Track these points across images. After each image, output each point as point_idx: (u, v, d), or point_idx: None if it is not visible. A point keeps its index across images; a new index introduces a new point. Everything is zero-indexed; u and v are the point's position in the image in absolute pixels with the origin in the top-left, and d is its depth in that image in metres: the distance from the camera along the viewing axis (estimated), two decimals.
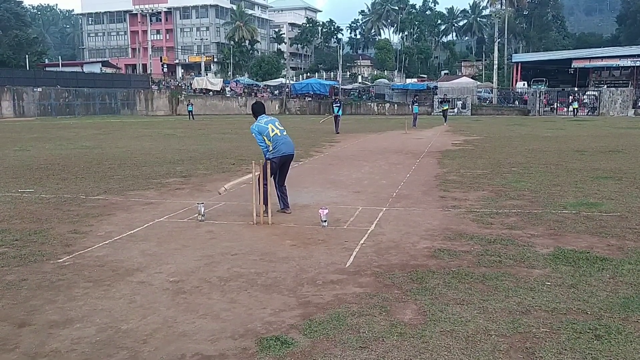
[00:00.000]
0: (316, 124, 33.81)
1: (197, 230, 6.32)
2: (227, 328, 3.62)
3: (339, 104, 25.25)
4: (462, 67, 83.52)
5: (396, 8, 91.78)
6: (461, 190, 8.90)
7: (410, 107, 40.48)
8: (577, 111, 45.11)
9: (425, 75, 75.32)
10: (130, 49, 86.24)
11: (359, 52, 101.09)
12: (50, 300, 4.15)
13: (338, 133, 23.09)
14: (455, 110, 49.51)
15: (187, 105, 43.72)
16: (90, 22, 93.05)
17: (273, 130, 7.12)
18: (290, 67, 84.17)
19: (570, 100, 48.00)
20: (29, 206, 7.74)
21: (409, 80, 66.66)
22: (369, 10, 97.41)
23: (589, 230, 6.06)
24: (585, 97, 48.77)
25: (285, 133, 7.28)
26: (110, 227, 6.49)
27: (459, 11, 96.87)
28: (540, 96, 49.21)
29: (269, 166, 6.85)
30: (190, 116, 40.89)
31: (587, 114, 46.23)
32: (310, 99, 57.24)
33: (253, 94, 59.77)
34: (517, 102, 52.53)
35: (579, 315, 3.72)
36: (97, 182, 9.89)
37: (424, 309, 3.87)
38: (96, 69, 62.45)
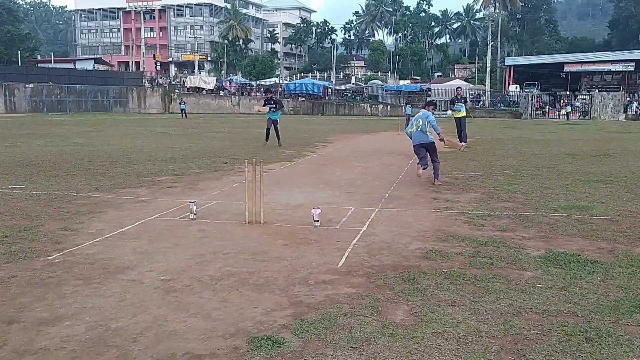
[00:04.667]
0: (311, 123, 33.82)
1: (188, 229, 6.30)
2: (218, 327, 3.60)
3: (274, 105, 17.13)
4: (455, 70, 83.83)
5: (390, 10, 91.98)
6: (453, 192, 8.92)
7: (403, 108, 40.60)
8: (570, 115, 45.52)
9: (419, 77, 75.51)
10: (123, 46, 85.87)
11: (353, 53, 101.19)
12: (39, 297, 4.12)
13: (280, 145, 16.64)
14: (449, 112, 49.62)
15: (180, 103, 43.63)
16: (83, 19, 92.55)
17: (413, 126, 9.99)
18: (284, 67, 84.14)
19: (563, 104, 48.35)
20: (19, 203, 7.68)
21: (402, 82, 66.84)
22: (363, 11, 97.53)
23: (580, 233, 6.09)
24: (576, 101, 49.18)
25: (420, 129, 9.84)
26: (101, 224, 6.45)
27: (452, 14, 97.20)
28: (532, 99, 49.53)
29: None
30: (183, 114, 40.82)
31: (578, 118, 46.57)
32: (303, 99, 57.28)
33: (246, 93, 59.72)
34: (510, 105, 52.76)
35: (570, 318, 3.73)
36: (89, 180, 9.83)
37: (416, 309, 3.87)
38: (89, 65, 62.13)
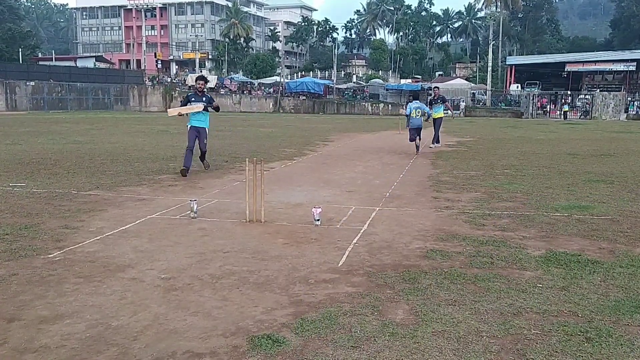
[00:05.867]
0: (312, 122, 33.78)
1: (189, 227, 6.30)
2: (219, 326, 3.60)
3: (208, 102, 10.53)
4: (457, 69, 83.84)
5: (392, 8, 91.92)
6: (454, 191, 8.92)
7: (404, 107, 40.56)
8: (567, 115, 45.35)
9: (420, 76, 75.44)
10: (124, 44, 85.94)
11: (354, 51, 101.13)
12: (40, 295, 4.12)
13: (207, 167, 10.94)
14: (458, 111, 49.54)
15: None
16: (84, 17, 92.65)
17: (413, 113, 14.96)
18: (285, 66, 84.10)
19: (563, 103, 48.25)
20: (20, 200, 7.69)
21: (403, 81, 66.79)
22: (365, 10, 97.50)
23: (581, 233, 6.09)
24: (578, 100, 49.10)
25: (419, 116, 15.00)
26: (101, 222, 6.45)
27: (454, 13, 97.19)
28: (533, 99, 49.49)
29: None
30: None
31: (579, 118, 46.51)
32: (304, 97, 57.24)
33: (247, 91, 59.69)
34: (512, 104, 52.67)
35: (570, 318, 3.73)
36: (89, 178, 9.83)
37: (416, 309, 3.87)
38: (90, 63, 62.17)
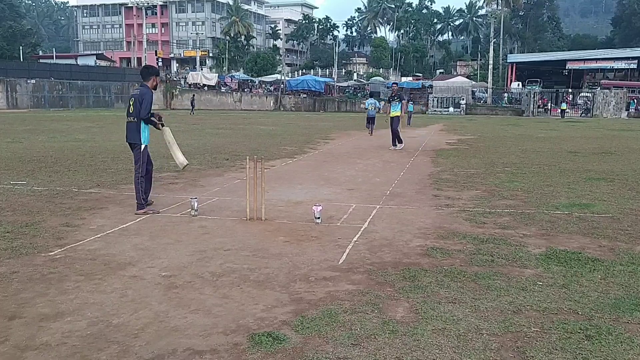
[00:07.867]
0: (313, 120, 33.78)
1: (190, 225, 6.30)
2: (219, 323, 3.61)
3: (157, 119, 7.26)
4: (457, 67, 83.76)
5: (392, 6, 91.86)
6: (455, 189, 8.92)
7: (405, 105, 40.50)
8: (565, 113, 45.14)
9: (421, 74, 75.39)
10: (125, 42, 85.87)
11: (355, 49, 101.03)
12: (41, 293, 4.13)
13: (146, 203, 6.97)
14: (460, 109, 49.51)
15: (191, 100, 43.74)
16: (85, 15, 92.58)
17: (370, 107, 21.85)
18: (286, 64, 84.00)
19: (560, 101, 48.10)
20: (21, 198, 7.69)
21: (404, 79, 66.74)
22: (366, 7, 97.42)
23: (581, 231, 6.09)
24: (579, 98, 48.99)
25: (372, 108, 21.69)
26: (102, 220, 6.46)
27: (455, 10, 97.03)
28: (534, 97, 49.44)
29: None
30: (192, 110, 41.26)
31: (580, 116, 46.44)
32: (305, 95, 57.21)
33: (248, 89, 59.68)
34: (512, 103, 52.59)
35: (570, 316, 3.73)
36: (90, 175, 9.84)
37: (416, 307, 3.87)
38: (90, 61, 62.22)
